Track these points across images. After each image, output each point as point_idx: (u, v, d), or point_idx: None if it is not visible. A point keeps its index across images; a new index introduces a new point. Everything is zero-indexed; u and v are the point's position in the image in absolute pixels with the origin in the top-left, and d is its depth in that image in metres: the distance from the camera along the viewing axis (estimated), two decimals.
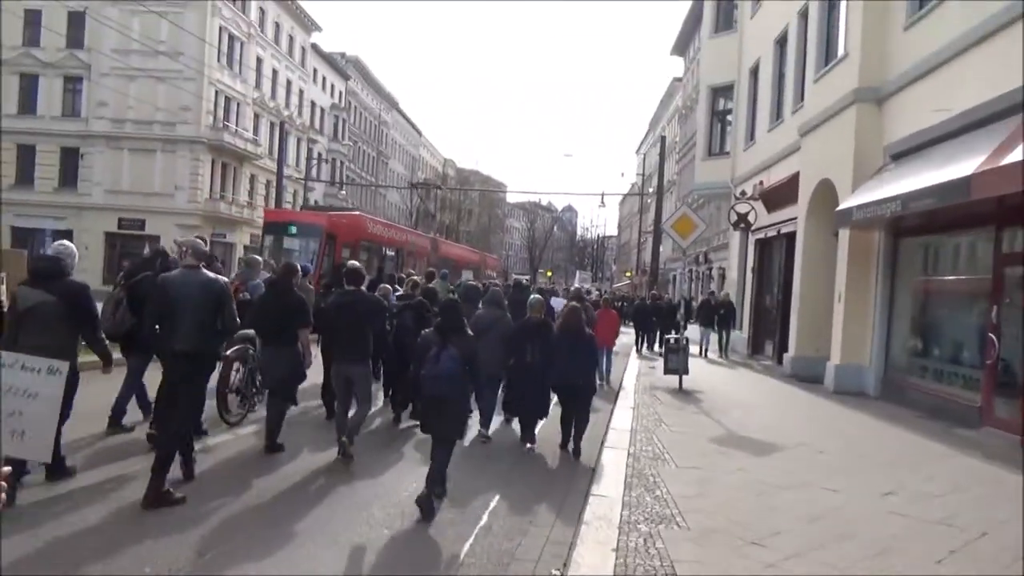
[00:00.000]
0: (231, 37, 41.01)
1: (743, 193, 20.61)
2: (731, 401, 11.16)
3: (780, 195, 17.69)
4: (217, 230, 39.85)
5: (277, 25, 47.30)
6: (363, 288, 7.39)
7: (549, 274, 60.52)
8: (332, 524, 5.16)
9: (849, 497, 5.89)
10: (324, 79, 55.86)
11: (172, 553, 4.43)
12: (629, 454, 7.12)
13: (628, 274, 62.10)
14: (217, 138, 38.88)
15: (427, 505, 5.31)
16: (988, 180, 7.87)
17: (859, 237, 12.67)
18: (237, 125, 41.77)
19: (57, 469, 5.54)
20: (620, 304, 28.77)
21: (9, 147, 36.45)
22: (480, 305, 9.22)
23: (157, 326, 5.75)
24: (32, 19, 37.88)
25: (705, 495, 5.76)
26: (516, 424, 8.38)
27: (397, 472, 6.67)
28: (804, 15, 16.84)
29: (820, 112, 14.31)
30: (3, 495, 1.79)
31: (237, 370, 8.02)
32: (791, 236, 16.85)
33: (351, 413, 7.04)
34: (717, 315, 17.28)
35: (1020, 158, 7.37)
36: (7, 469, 1.87)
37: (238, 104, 42.14)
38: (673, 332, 14.17)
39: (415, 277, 10.67)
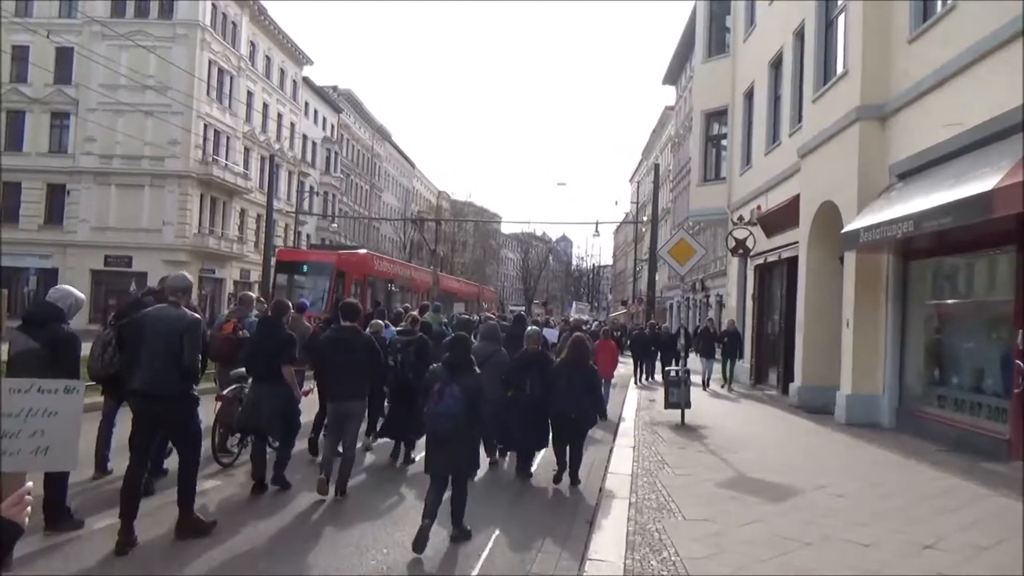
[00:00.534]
0: (221, 71, 40.78)
1: (740, 218, 20.05)
2: (738, 437, 10.44)
3: (779, 219, 17.13)
4: (206, 265, 39.27)
5: (268, 59, 47.20)
6: (357, 324, 7.37)
7: (545, 305, 59.77)
8: (334, 560, 5.24)
9: (884, 553, 5.17)
10: (316, 112, 55.71)
11: None
12: (631, 504, 6.39)
13: (624, 303, 61.45)
14: (206, 172, 38.46)
15: (461, 533, 5.64)
16: (1013, 195, 7.27)
17: (866, 260, 12.06)
18: (227, 159, 41.38)
19: (62, 519, 5.44)
20: (618, 334, 28.27)
21: None
22: (475, 338, 9.00)
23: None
24: (19, 55, 37.60)
25: (719, 556, 5.03)
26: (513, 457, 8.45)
27: (394, 509, 6.66)
28: (800, 35, 16.43)
29: (820, 132, 13.79)
30: (27, 513, 1.89)
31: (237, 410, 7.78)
32: (792, 261, 16.25)
33: (338, 461, 6.97)
34: (721, 344, 16.54)
35: None
36: (29, 484, 1.93)
37: (228, 138, 41.79)
38: (673, 363, 13.50)
39: (413, 313, 10.49)
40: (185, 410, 5.57)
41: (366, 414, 8.30)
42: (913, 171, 11.13)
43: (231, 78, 41.89)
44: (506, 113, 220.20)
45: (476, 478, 7.11)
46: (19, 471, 2.08)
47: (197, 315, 5.85)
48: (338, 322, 7.79)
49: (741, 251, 19.64)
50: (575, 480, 7.77)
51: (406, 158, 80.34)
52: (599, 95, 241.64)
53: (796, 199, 15.75)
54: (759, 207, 19.01)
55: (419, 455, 8.08)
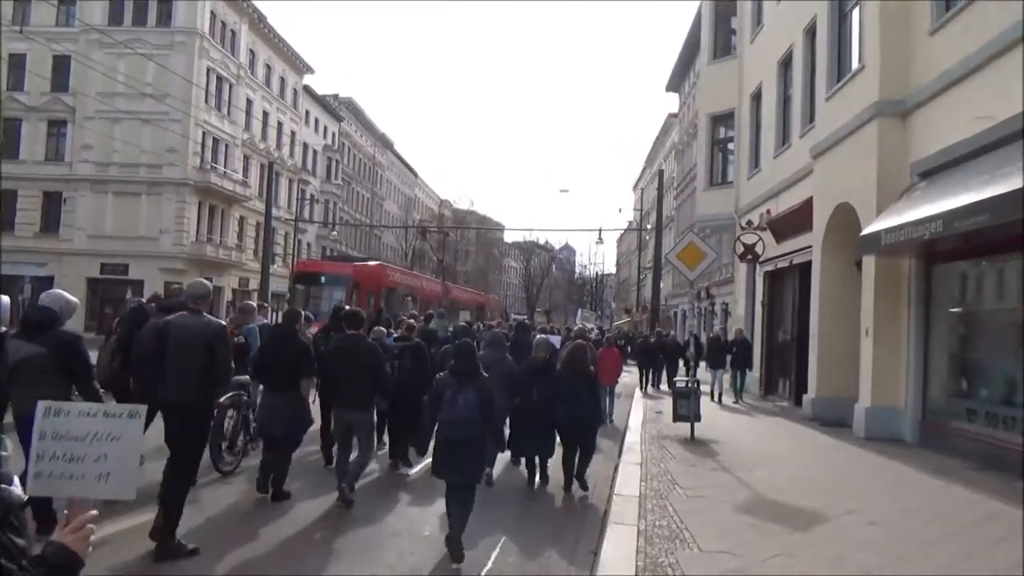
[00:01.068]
0: (219, 78, 40.32)
1: (749, 223, 19.42)
2: (752, 453, 9.75)
3: (791, 223, 16.48)
4: (204, 274, 38.58)
5: (268, 67, 46.77)
6: (362, 333, 7.39)
7: (546, 314, 59.11)
8: (338, 569, 5.26)
9: None
10: (316, 120, 55.28)
11: None
12: (639, 532, 5.73)
13: (628, 312, 60.74)
14: (204, 180, 37.93)
15: (456, 548, 5.41)
16: None
17: (887, 265, 11.39)
18: (225, 167, 40.88)
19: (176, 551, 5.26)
20: (623, 342, 27.77)
21: None
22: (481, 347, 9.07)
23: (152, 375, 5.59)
24: (16, 63, 37.16)
25: None
26: (523, 465, 8.56)
27: (398, 517, 6.69)
28: (811, 32, 15.83)
29: (835, 131, 13.15)
30: (89, 543, 1.85)
31: (231, 417, 7.88)
32: (805, 267, 15.59)
33: (352, 458, 7.00)
34: (730, 354, 15.82)
35: None
36: (94, 512, 1.93)
37: (227, 146, 41.30)
38: (684, 372, 12.87)
39: (410, 320, 10.32)
40: (201, 423, 5.58)
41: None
42: (936, 169, 10.49)
43: (230, 86, 41.43)
44: (509, 121, 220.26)
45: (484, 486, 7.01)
46: (85, 497, 2.05)
47: (222, 321, 5.78)
48: (338, 330, 8.04)
49: (750, 257, 19.00)
50: (583, 484, 8.00)
51: (408, 167, 79.92)
52: (602, 103, 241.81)
53: (808, 202, 15.11)
54: (768, 211, 18.37)
55: (419, 464, 8.27)
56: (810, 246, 14.92)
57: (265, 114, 46.26)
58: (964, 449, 9.67)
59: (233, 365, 5.81)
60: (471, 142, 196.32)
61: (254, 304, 10.29)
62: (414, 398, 7.92)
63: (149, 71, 36.02)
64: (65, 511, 1.94)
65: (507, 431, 8.33)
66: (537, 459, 8.29)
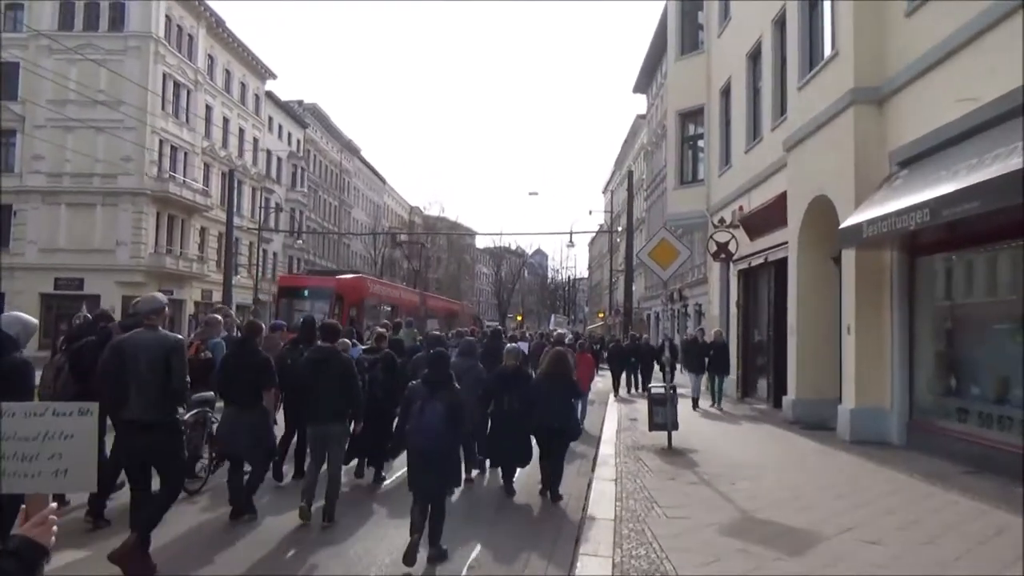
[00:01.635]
0: (177, 84, 39.14)
1: (721, 221, 18.94)
2: (734, 463, 9.12)
3: (764, 219, 16.00)
4: (164, 286, 37.36)
5: (228, 72, 45.60)
6: (336, 345, 7.26)
7: (519, 318, 58.51)
8: None
9: None
10: (280, 127, 54.10)
11: None
12: (614, 564, 5.04)
13: (601, 315, 60.33)
14: (162, 189, 36.69)
15: (438, 554, 5.55)
16: None
17: (867, 259, 10.87)
18: (185, 176, 39.64)
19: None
20: (597, 347, 27.33)
21: None
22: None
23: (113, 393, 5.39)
24: None
25: None
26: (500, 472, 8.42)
27: (375, 527, 6.67)
28: (780, 23, 15.37)
29: (809, 121, 12.65)
30: (53, 533, 1.93)
31: (196, 434, 7.70)
32: (780, 263, 15.09)
33: (325, 485, 6.75)
34: (707, 357, 15.18)
35: None
36: (53, 505, 1.97)
37: (185, 154, 40.07)
38: (661, 377, 12.25)
39: (380, 330, 10.04)
40: (175, 438, 5.50)
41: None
42: (916, 157, 9.99)
43: (188, 92, 40.24)
44: (476, 126, 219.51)
45: (455, 496, 7.02)
46: (40, 493, 2.17)
47: (179, 336, 5.71)
48: (307, 342, 8.07)
49: (723, 255, 18.51)
50: (555, 496, 7.81)
51: (376, 173, 78.84)
52: (570, 106, 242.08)
53: (782, 197, 14.62)
54: (741, 208, 17.89)
55: (394, 475, 8.34)
56: (785, 242, 14.43)
57: (226, 121, 45.07)
58: (954, 451, 9.14)
59: (189, 381, 5.69)
60: (440, 147, 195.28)
61: (220, 318, 9.89)
62: (386, 410, 8.04)
63: (102, 77, 34.72)
64: (23, 506, 2.03)
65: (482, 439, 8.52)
66: (512, 467, 8.26)
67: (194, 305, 40.49)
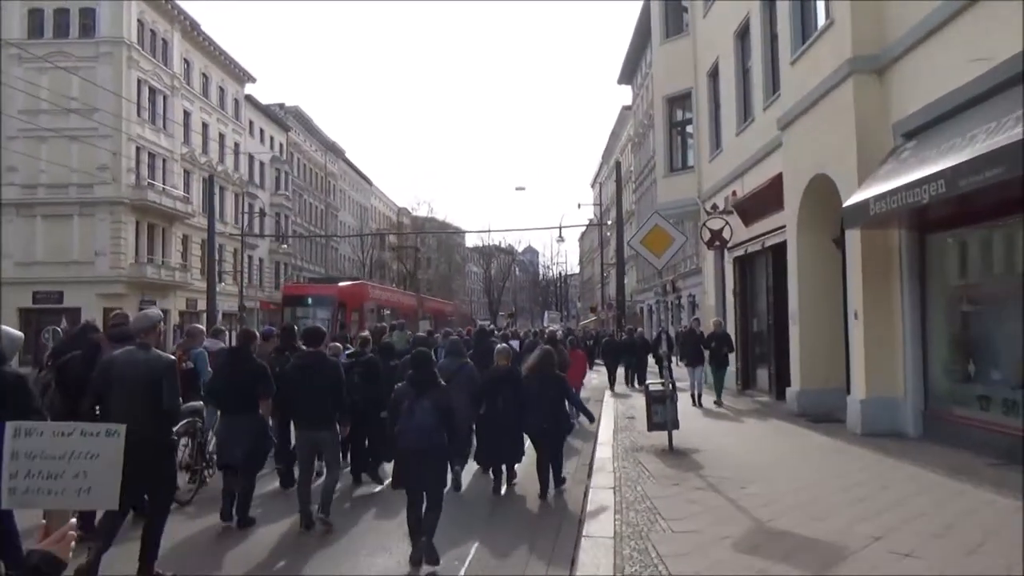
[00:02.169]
0: (152, 90, 38.26)
1: (714, 207, 18.25)
2: (742, 464, 8.44)
3: (759, 204, 15.33)
4: (146, 297, 36.57)
5: (205, 76, 44.71)
6: (323, 350, 7.29)
7: (510, 316, 57.80)
8: None
9: None
10: (262, 131, 53.20)
11: None
12: None
13: (593, 310, 59.69)
14: (140, 197, 35.84)
15: (430, 554, 5.47)
16: None
17: (874, 238, 10.20)
18: (164, 183, 38.79)
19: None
20: (590, 342, 26.90)
21: None
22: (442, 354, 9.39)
23: (97, 410, 5.46)
24: None
25: None
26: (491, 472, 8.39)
27: (369, 532, 6.65)
28: None
29: (804, 97, 11.98)
30: (71, 549, 2.02)
31: (186, 445, 7.68)
32: (778, 248, 14.44)
33: (321, 480, 6.96)
34: (708, 349, 14.40)
35: None
36: (73, 522, 2.10)
37: (164, 160, 39.21)
38: (659, 370, 11.57)
39: (365, 334, 10.24)
40: (166, 456, 5.48)
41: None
42: (923, 127, 9.32)
43: (164, 98, 39.35)
44: (460, 122, 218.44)
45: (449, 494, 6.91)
46: (64, 509, 2.17)
47: (171, 356, 5.68)
48: (290, 349, 8.17)
49: (717, 243, 17.85)
50: (559, 483, 8.02)
51: (362, 175, 77.91)
52: (555, 100, 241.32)
53: (778, 179, 13.96)
54: (734, 193, 17.24)
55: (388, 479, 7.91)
56: (783, 226, 13.77)
57: (205, 126, 44.20)
58: (976, 441, 8.49)
59: (180, 396, 5.64)
60: (425, 145, 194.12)
61: (202, 327, 9.88)
62: (370, 413, 7.92)
63: (75, 85, 33.84)
64: (43, 520, 2.10)
65: (474, 439, 8.52)
66: (504, 466, 8.28)
67: (179, 315, 39.61)
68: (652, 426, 9.63)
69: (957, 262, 9.66)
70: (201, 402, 7.84)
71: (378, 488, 8.32)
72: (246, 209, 47.58)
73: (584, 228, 74.42)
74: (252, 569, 5.62)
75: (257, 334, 7.94)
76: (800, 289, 12.71)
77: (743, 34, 16.76)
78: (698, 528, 5.74)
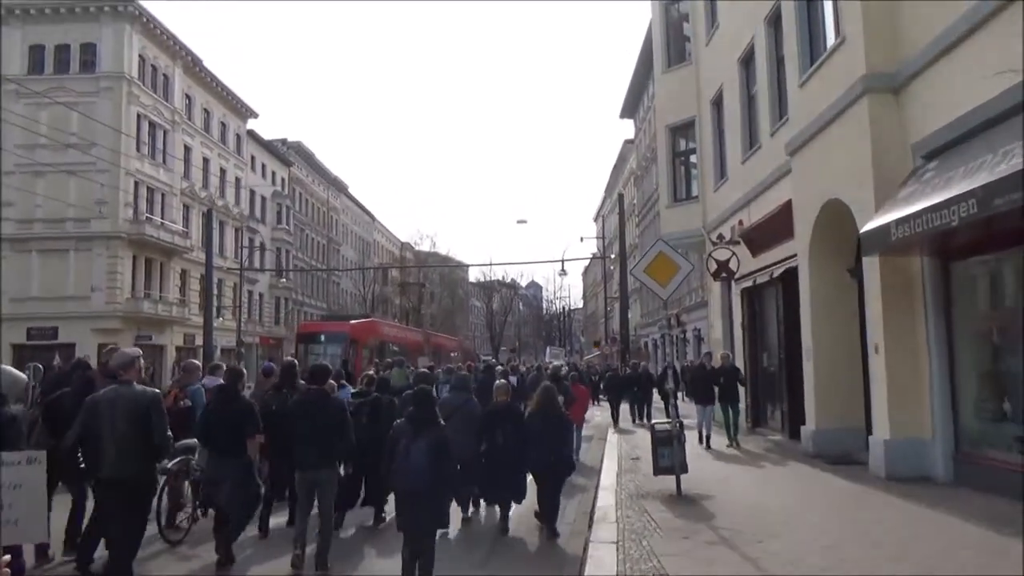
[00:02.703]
0: (152, 125, 38.06)
1: (720, 238, 17.65)
2: (757, 512, 7.67)
3: (767, 233, 14.71)
4: (142, 332, 35.97)
5: (207, 112, 44.65)
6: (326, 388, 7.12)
7: (512, 352, 57.10)
8: None
9: None
10: (264, 166, 53.06)
11: None
12: None
13: (597, 344, 58.85)
14: (138, 232, 35.41)
15: None
16: None
17: (894, 266, 9.53)
18: (163, 217, 38.41)
19: None
20: (596, 377, 26.29)
21: None
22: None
23: (80, 451, 5.57)
24: None
25: None
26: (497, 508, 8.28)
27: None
28: (774, 20, 14.25)
29: (815, 120, 11.42)
30: None
31: (178, 484, 7.71)
32: (788, 277, 13.77)
33: (316, 533, 6.63)
34: (717, 385, 13.57)
35: None
36: (7, 558, 2.15)
37: (163, 195, 38.88)
38: (664, 407, 10.84)
39: (369, 373, 10.19)
40: (148, 493, 5.45)
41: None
42: (944, 148, 8.72)
43: (164, 132, 39.17)
44: (464, 156, 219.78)
45: (450, 534, 7.37)
46: None
47: (155, 390, 5.68)
48: (289, 387, 8.05)
49: (724, 274, 17.18)
50: (552, 533, 7.69)
51: (364, 210, 77.77)
52: (557, 135, 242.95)
53: (787, 206, 13.37)
54: (740, 222, 16.62)
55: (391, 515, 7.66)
56: (793, 255, 13.12)
57: (206, 161, 44.01)
58: (1014, 487, 7.69)
59: (171, 433, 5.63)
60: (427, 180, 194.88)
61: (198, 363, 9.75)
62: (370, 454, 7.66)
63: (74, 120, 33.59)
64: None
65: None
66: (507, 503, 8.11)
67: (175, 350, 38.95)
68: (658, 470, 8.88)
69: (987, 291, 8.97)
70: (196, 439, 7.72)
71: (383, 523, 8.11)
72: (246, 244, 47.18)
73: (587, 262, 73.99)
74: None
75: (244, 372, 7.83)
76: (814, 322, 12.01)
77: (747, 60, 16.30)
78: None
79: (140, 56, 37.29)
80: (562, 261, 73.79)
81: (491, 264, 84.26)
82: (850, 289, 11.54)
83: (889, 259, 9.40)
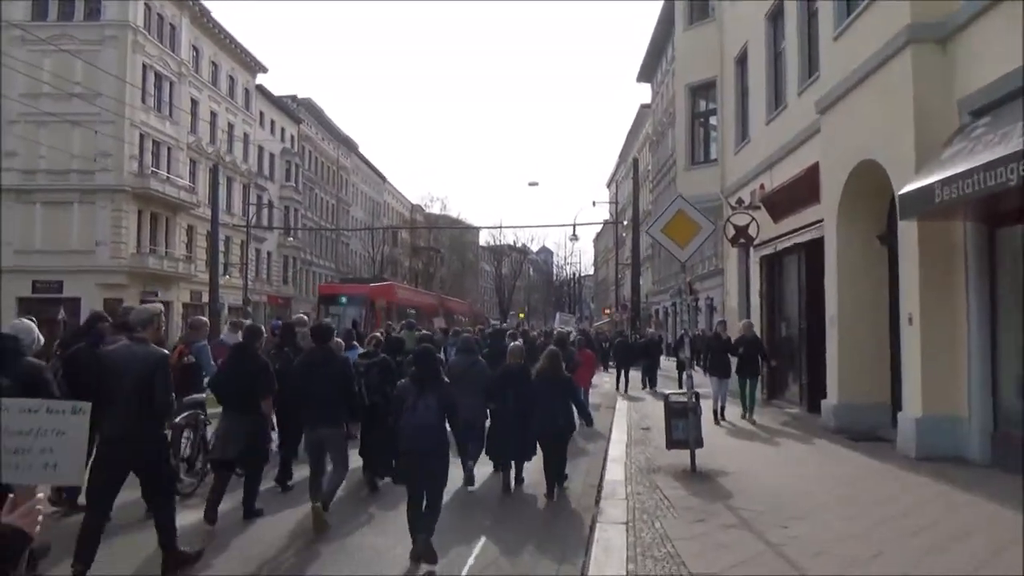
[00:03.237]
0: (158, 76, 37.25)
1: (740, 202, 16.90)
2: (779, 493, 7.12)
3: (791, 197, 13.99)
4: (148, 288, 35.60)
5: (215, 64, 43.71)
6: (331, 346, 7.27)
7: (522, 315, 56.64)
8: None
9: None
10: (272, 122, 52.17)
11: None
12: None
13: (607, 312, 58.29)
14: (143, 186, 34.80)
15: (428, 553, 5.34)
16: None
17: (933, 232, 8.84)
18: (169, 171, 37.79)
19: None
20: (605, 344, 25.79)
21: None
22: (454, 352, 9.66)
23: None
24: None
25: None
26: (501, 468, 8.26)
27: (371, 529, 6.54)
28: None
29: (850, 74, 10.63)
30: (38, 523, 2.04)
31: (188, 437, 7.70)
32: (812, 245, 13.09)
33: (327, 476, 6.78)
34: (736, 356, 12.85)
35: None
36: (41, 495, 2.14)
37: (169, 149, 38.19)
38: (678, 378, 10.25)
39: (376, 335, 10.18)
40: (159, 451, 5.47)
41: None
42: (994, 104, 7.98)
43: (171, 84, 38.37)
44: (475, 116, 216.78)
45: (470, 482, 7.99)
46: (30, 484, 2.20)
47: (164, 350, 5.61)
48: (290, 346, 8.39)
49: (742, 240, 16.51)
50: (560, 485, 7.80)
51: (375, 170, 76.86)
52: (572, 97, 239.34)
53: (814, 168, 12.64)
54: (762, 186, 15.88)
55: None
56: (818, 221, 12.44)
57: (213, 115, 43.20)
58: None
59: (172, 391, 5.58)
60: (439, 140, 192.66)
61: (204, 320, 9.68)
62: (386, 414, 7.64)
63: (78, 69, 32.85)
64: (11, 495, 2.10)
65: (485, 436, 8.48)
66: (514, 463, 8.12)
67: (182, 307, 38.65)
68: (671, 444, 8.34)
69: None
70: (203, 395, 7.86)
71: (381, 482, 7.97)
72: (254, 201, 46.57)
73: (600, 228, 73.11)
74: (253, 563, 5.55)
75: (264, 330, 7.83)
76: (840, 290, 11.35)
77: (776, 15, 15.41)
78: None
79: (146, 4, 36.35)
80: (574, 225, 73.11)
81: (501, 227, 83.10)
82: (879, 256, 10.88)
83: (928, 224, 8.71)
